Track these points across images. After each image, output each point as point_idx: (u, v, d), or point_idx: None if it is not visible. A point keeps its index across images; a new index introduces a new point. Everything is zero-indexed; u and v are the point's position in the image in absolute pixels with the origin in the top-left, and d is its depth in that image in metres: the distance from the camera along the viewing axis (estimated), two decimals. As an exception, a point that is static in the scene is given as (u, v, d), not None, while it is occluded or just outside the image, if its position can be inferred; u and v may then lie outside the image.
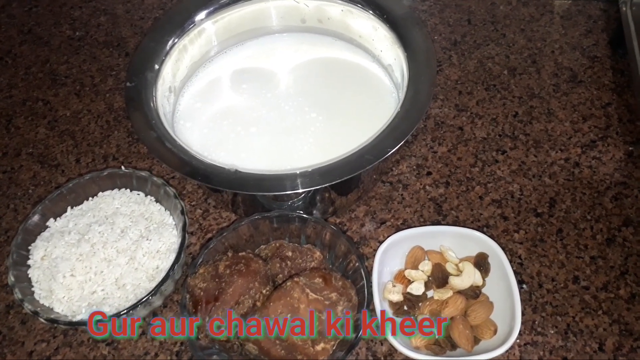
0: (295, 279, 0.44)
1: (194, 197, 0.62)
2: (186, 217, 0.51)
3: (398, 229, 0.59)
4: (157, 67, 0.55)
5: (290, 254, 0.50)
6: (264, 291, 0.46)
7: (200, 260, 0.49)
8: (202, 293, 0.45)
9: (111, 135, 0.69)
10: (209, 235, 0.60)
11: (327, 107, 0.59)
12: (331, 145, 0.55)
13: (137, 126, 0.49)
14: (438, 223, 0.60)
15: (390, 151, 0.46)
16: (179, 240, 0.52)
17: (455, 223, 0.60)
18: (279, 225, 0.51)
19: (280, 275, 0.49)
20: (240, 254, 0.48)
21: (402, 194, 0.62)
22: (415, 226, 0.59)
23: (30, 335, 0.54)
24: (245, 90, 0.61)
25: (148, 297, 0.46)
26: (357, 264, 0.48)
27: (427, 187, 0.63)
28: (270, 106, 0.60)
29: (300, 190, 0.45)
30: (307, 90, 0.61)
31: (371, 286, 0.47)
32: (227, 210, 0.61)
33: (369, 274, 0.48)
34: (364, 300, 0.46)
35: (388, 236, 0.55)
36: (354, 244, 0.50)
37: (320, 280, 0.44)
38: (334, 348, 0.44)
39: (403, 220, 0.60)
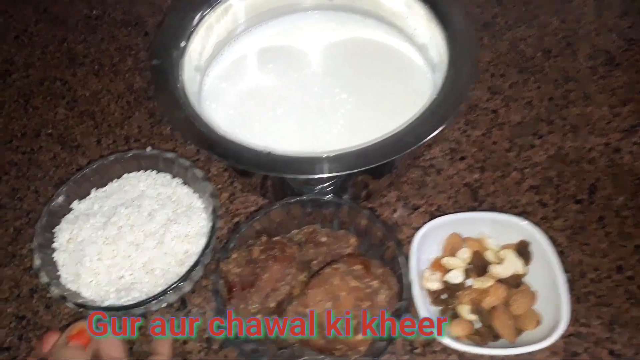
0: (335, 266, 0.42)
1: (220, 180, 0.60)
2: (216, 200, 0.49)
3: (432, 216, 0.57)
4: (183, 44, 0.53)
5: (324, 239, 0.48)
6: (300, 278, 0.44)
7: (232, 245, 0.47)
8: (236, 278, 0.43)
9: (132, 117, 0.67)
10: (236, 219, 0.58)
11: (358, 88, 0.57)
12: (362, 127, 0.53)
13: (164, 105, 0.47)
14: (474, 209, 0.57)
15: (432, 134, 0.44)
16: (209, 224, 0.49)
17: (491, 209, 0.57)
18: (312, 210, 0.49)
19: (315, 262, 0.47)
20: (274, 238, 0.46)
21: (435, 179, 0.60)
22: (450, 212, 0.57)
23: (55, 320, 0.52)
24: (272, 70, 0.59)
25: (180, 282, 0.45)
26: (395, 252, 0.46)
27: (462, 172, 0.60)
28: (297, 87, 0.57)
29: (340, 174, 0.43)
30: (336, 70, 0.59)
31: (409, 274, 0.45)
32: (254, 193, 0.59)
33: (407, 261, 0.46)
34: (404, 289, 0.44)
35: (423, 222, 0.53)
36: (392, 231, 0.48)
37: (361, 267, 0.42)
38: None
39: (437, 207, 0.58)
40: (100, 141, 0.65)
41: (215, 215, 0.48)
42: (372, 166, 0.43)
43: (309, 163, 0.45)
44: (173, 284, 0.44)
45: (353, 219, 0.49)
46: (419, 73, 0.59)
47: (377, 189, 0.56)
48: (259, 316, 0.42)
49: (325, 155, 0.44)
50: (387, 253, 0.47)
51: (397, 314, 0.43)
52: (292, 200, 0.49)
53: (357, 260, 0.43)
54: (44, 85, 0.72)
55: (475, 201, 0.58)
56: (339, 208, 0.49)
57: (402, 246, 0.53)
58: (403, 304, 0.43)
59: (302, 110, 0.56)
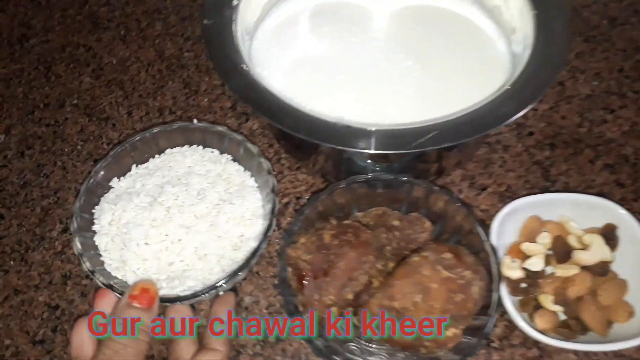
0: (424, 254, 0.37)
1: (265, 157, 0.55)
2: (274, 178, 0.44)
3: (501, 196, 0.52)
4: (235, 2, 0.47)
5: (397, 223, 0.43)
6: (379, 266, 0.39)
7: (296, 228, 0.42)
8: (307, 266, 0.38)
9: (165, 86, 0.61)
10: (285, 200, 0.52)
11: (424, 54, 0.51)
12: (434, 98, 0.48)
13: (223, 71, 0.41)
14: (546, 190, 0.53)
15: (532, 103, 0.38)
16: (267, 205, 0.44)
17: (565, 190, 0.53)
18: (383, 191, 0.44)
19: (388, 248, 0.42)
20: (345, 222, 0.41)
21: (502, 157, 0.55)
22: (521, 193, 0.52)
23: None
24: (327, 34, 0.53)
25: (242, 270, 0.40)
26: (481, 238, 0.41)
27: (531, 148, 0.55)
28: (356, 52, 0.52)
29: (438, 147, 0.37)
30: (398, 34, 0.53)
31: (499, 263, 0.40)
32: (302, 172, 0.54)
33: (495, 249, 0.41)
34: (493, 280, 0.39)
35: (492, 204, 0.48)
36: (474, 214, 0.43)
37: (451, 255, 0.37)
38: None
39: (507, 187, 0.53)
40: (132, 113, 0.59)
41: (274, 194, 0.43)
42: (468, 140, 0.38)
43: (403, 136, 0.39)
44: (236, 271, 0.40)
45: (426, 201, 0.44)
46: (492, 37, 0.53)
47: (445, 168, 0.51)
48: (334, 309, 0.38)
49: (417, 126, 0.38)
50: (468, 239, 0.42)
51: (489, 307, 0.38)
52: (360, 179, 0.43)
53: (445, 247, 0.38)
54: (65, 52, 0.65)
55: (548, 181, 0.53)
56: (412, 188, 0.44)
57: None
58: (496, 297, 0.38)
59: (364, 79, 0.49)
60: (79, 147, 0.57)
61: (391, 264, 0.41)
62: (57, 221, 0.52)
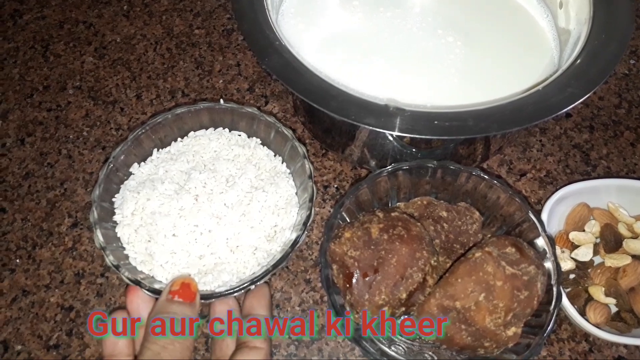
0: (487, 249, 0.34)
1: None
2: (310, 163, 0.41)
3: (541, 182, 0.49)
4: (261, -29, 0.43)
5: (444, 214, 0.40)
6: (432, 262, 0.36)
7: (335, 221, 0.38)
8: (355, 263, 0.35)
9: (176, 66, 0.57)
10: (313, 188, 0.49)
11: (464, 30, 0.48)
12: (481, 77, 0.44)
13: (258, 49, 0.37)
14: (587, 174, 0.50)
15: (600, 83, 0.35)
16: (303, 193, 0.41)
17: (607, 175, 0.50)
18: (429, 179, 0.41)
19: (437, 241, 0.39)
20: (392, 214, 0.38)
21: (540, 140, 0.52)
22: (561, 179, 0.50)
23: (111, 310, 0.43)
24: (358, 9, 0.49)
25: (281, 262, 0.36)
26: (538, 229, 0.38)
27: (569, 131, 0.52)
28: (392, 28, 0.48)
29: (505, 132, 0.34)
30: (435, 8, 0.49)
31: (556, 256, 0.37)
32: (328, 159, 0.50)
33: (553, 241, 0.38)
34: (552, 273, 0.36)
35: (532, 191, 0.45)
36: (529, 203, 0.40)
37: (514, 250, 0.34)
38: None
39: (546, 172, 0.50)
40: (141, 96, 0.55)
41: (312, 181, 0.40)
42: (536, 122, 0.35)
43: (463, 120, 0.35)
44: (275, 264, 0.36)
45: (475, 190, 0.41)
46: (537, 21, 0.49)
47: (486, 154, 0.47)
48: (386, 309, 0.35)
49: (471, 110, 0.35)
50: (520, 229, 0.39)
51: (551, 302, 0.35)
52: (405, 167, 0.40)
53: (508, 240, 0.35)
54: (64, 29, 0.60)
55: (588, 165, 0.51)
56: (461, 176, 0.41)
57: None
58: (557, 292, 0.35)
59: (403, 58, 0.46)
60: (84, 133, 0.52)
61: (442, 259, 0.38)
62: (65, 215, 0.48)
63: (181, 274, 0.37)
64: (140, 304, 0.37)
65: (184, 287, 0.35)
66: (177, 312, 0.34)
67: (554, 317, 0.35)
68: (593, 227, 0.45)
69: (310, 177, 0.40)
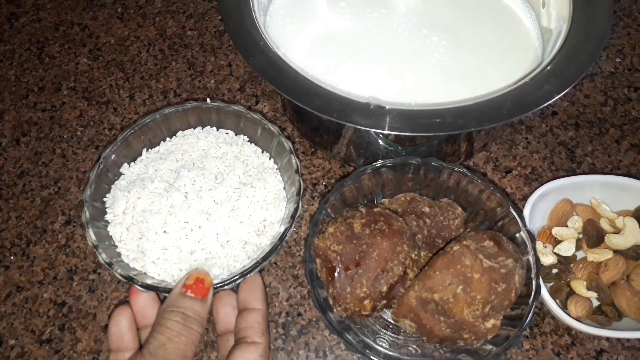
0: (465, 242, 0.35)
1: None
2: (297, 159, 0.41)
3: (527, 179, 0.50)
4: (249, -27, 0.44)
5: (427, 209, 0.41)
6: (413, 256, 0.37)
7: (322, 217, 0.39)
8: (338, 257, 0.36)
9: (168, 67, 0.58)
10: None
11: (448, 29, 0.49)
12: (464, 75, 0.45)
13: (244, 47, 0.38)
14: (572, 171, 0.51)
15: (576, 80, 0.36)
16: (288, 187, 0.42)
17: (591, 171, 0.51)
18: (412, 176, 0.42)
19: (419, 236, 0.40)
20: (375, 209, 0.38)
21: (526, 137, 0.53)
22: (546, 175, 0.50)
23: (102, 305, 0.44)
24: (345, 9, 0.50)
25: (270, 255, 0.37)
26: (518, 224, 0.39)
27: (555, 129, 0.53)
28: (379, 28, 0.49)
29: (480, 129, 0.35)
30: (420, 8, 0.50)
31: (536, 250, 0.38)
32: (318, 157, 0.51)
33: (533, 236, 0.39)
34: (532, 266, 0.37)
35: (517, 187, 0.46)
36: (509, 199, 0.41)
37: (492, 243, 0.35)
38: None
39: (532, 169, 0.51)
40: (134, 96, 0.56)
41: (299, 175, 0.40)
42: (513, 119, 0.36)
43: (442, 117, 0.36)
44: (264, 256, 0.37)
45: (457, 186, 0.42)
46: (521, 20, 0.50)
47: (470, 151, 0.48)
48: (367, 302, 0.36)
49: (456, 106, 0.36)
50: (501, 225, 0.40)
51: (527, 296, 0.36)
52: (388, 164, 0.41)
53: (486, 235, 0.36)
54: (59, 31, 0.61)
55: (573, 162, 0.51)
56: (443, 173, 0.41)
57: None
58: (536, 285, 0.36)
59: (389, 57, 0.47)
60: (78, 133, 0.54)
61: (423, 254, 0.39)
62: (59, 213, 0.49)
63: (196, 268, 0.38)
64: (143, 305, 0.38)
65: (198, 283, 0.35)
66: (188, 307, 0.34)
67: (532, 310, 0.36)
68: (576, 223, 0.45)
69: (297, 171, 0.41)
